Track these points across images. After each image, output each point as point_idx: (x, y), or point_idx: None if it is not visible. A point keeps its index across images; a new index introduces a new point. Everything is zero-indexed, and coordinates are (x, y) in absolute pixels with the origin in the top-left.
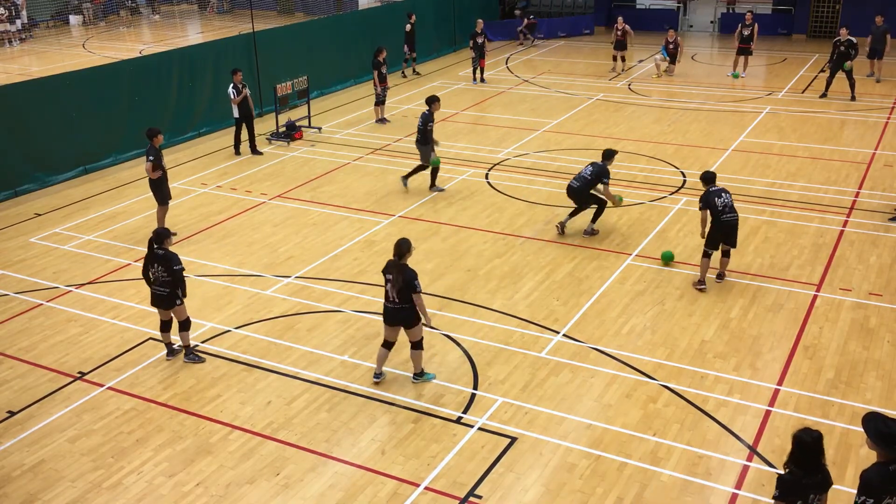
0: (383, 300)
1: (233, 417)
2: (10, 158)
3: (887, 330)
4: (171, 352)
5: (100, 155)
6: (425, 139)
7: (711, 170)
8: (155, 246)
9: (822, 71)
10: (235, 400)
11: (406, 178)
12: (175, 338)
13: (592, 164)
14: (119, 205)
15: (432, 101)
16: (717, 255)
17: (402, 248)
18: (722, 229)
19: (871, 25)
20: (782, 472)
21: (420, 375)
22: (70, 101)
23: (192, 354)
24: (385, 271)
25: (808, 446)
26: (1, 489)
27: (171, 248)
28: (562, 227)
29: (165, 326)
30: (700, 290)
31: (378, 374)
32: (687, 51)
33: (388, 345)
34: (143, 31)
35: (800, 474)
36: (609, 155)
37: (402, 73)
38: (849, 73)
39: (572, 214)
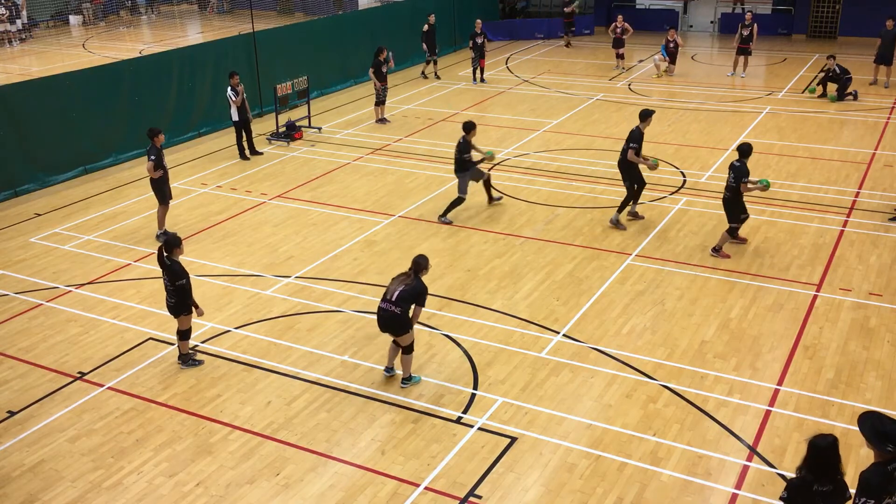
0: (379, 301)
1: (233, 417)
2: (10, 158)
3: (887, 330)
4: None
5: (100, 155)
6: (462, 167)
7: (747, 142)
8: (165, 254)
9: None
10: (235, 400)
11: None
12: (191, 343)
13: (630, 132)
14: (119, 205)
15: (469, 128)
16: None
17: (422, 264)
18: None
19: (881, 29)
20: (793, 474)
21: (408, 380)
22: (70, 101)
23: (189, 361)
24: (397, 276)
25: (821, 451)
26: (1, 489)
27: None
28: (616, 221)
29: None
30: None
31: (389, 369)
32: (686, 51)
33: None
34: (143, 31)
35: (810, 479)
36: (644, 115)
37: (423, 73)
38: (841, 95)
39: (620, 208)
